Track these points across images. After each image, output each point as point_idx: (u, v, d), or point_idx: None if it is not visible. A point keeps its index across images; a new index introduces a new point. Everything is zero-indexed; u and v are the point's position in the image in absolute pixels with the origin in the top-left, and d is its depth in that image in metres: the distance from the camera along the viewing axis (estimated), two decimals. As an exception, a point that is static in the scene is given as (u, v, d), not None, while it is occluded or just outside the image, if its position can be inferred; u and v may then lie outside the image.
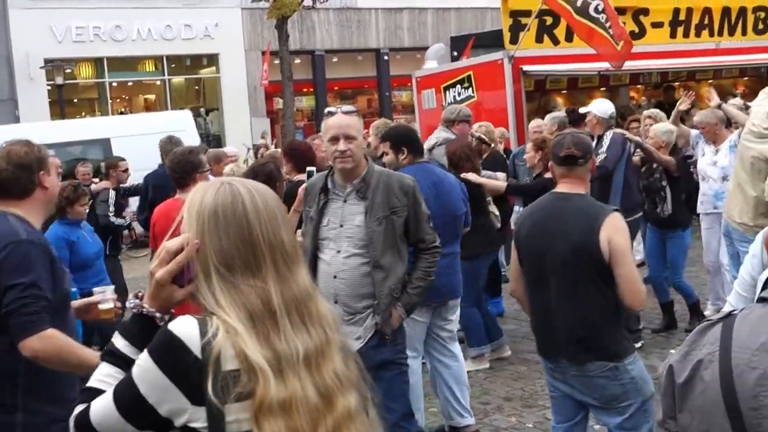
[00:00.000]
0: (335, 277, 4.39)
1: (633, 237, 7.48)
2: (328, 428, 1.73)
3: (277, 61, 22.20)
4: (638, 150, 8.04)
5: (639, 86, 15.25)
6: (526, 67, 11.49)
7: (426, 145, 8.26)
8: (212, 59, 25.94)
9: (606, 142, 7.62)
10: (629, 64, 12.59)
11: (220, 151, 9.93)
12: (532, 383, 6.94)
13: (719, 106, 8.35)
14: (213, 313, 1.79)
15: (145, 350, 1.82)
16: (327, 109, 4.51)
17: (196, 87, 27.45)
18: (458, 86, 12.42)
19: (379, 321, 4.42)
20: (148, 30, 24.04)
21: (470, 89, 12.22)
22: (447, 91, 12.67)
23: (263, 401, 1.69)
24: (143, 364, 1.81)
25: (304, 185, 4.87)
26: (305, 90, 26.90)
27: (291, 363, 1.73)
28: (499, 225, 7.86)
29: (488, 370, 7.33)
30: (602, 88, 14.39)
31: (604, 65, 11.38)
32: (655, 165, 7.92)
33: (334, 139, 4.32)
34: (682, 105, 9.06)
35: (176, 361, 1.77)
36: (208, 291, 1.82)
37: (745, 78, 15.19)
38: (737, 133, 7.41)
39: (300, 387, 1.72)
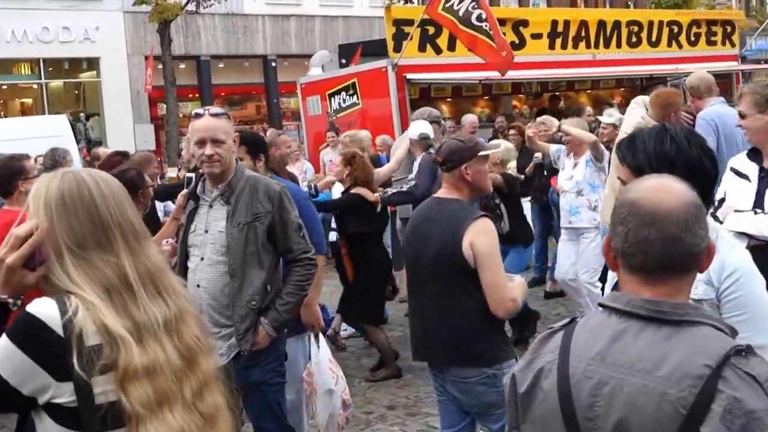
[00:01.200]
0: (198, 285, 4.15)
1: None
2: (193, 387, 1.81)
3: (161, 66, 21.75)
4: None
5: (521, 95, 15.58)
6: (409, 75, 11.59)
7: (402, 148, 8.33)
8: (93, 63, 25.18)
9: (415, 167, 7.53)
10: (511, 74, 12.88)
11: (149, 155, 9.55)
12: (416, 391, 6.92)
13: (559, 129, 8.33)
14: (69, 292, 1.85)
15: (4, 335, 1.86)
16: (194, 111, 4.28)
17: (76, 91, 26.58)
18: (343, 93, 12.42)
19: (235, 335, 4.14)
20: (24, 32, 23.14)
21: (355, 96, 12.23)
22: (332, 98, 12.66)
23: (127, 368, 1.77)
24: (4, 349, 1.85)
25: (183, 192, 4.63)
26: (191, 96, 26.42)
27: (151, 330, 1.81)
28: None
29: (372, 378, 7.29)
30: (485, 97, 14.66)
31: (487, 74, 11.57)
32: None
33: (201, 143, 4.11)
34: (530, 131, 8.77)
35: (39, 342, 1.84)
36: (61, 271, 1.88)
37: (622, 89, 15.75)
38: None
39: (162, 351, 1.80)
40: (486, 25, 10.40)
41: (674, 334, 1.79)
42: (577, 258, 7.78)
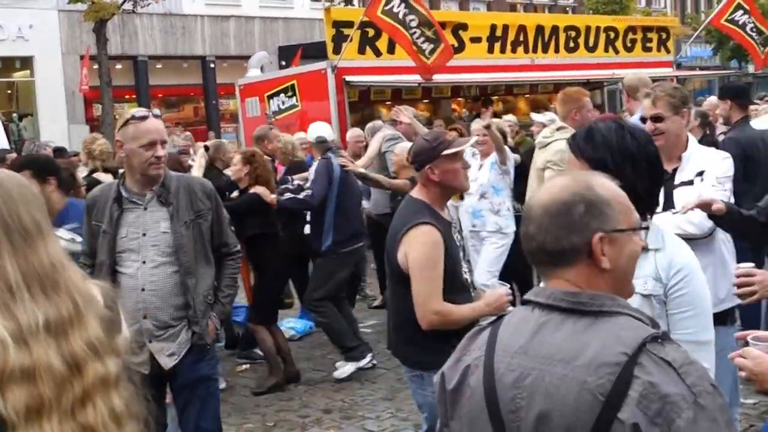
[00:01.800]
0: (143, 289, 4.11)
1: (349, 269, 7.52)
2: (75, 395, 1.70)
3: (96, 66, 21.38)
4: None
5: (460, 99, 15.68)
6: (349, 78, 11.56)
7: (374, 145, 8.27)
8: (26, 62, 24.66)
9: (311, 173, 7.40)
10: (451, 77, 12.96)
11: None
12: (352, 394, 6.89)
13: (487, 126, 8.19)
14: None
15: None
16: (133, 113, 4.19)
17: (9, 91, 25.99)
18: (282, 95, 12.36)
19: (198, 330, 4.22)
20: (-47, 29, 22.62)
21: (294, 98, 12.17)
22: (271, 100, 12.58)
23: (4, 370, 1.66)
24: None
25: (90, 196, 4.55)
26: (127, 96, 26.03)
27: (33, 332, 1.71)
28: None
29: (308, 382, 7.23)
30: (425, 100, 14.71)
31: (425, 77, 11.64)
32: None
33: (152, 145, 4.05)
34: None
35: None
36: None
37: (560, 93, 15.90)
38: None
39: (45, 355, 1.69)
40: (417, 32, 10.51)
41: (593, 325, 1.81)
42: (479, 260, 7.76)
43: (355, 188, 7.70)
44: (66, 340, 1.71)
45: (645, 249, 1.99)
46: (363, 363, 7.21)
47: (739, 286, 3.31)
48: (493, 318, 2.04)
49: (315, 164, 7.49)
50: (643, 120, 4.17)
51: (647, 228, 2.06)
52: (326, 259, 7.36)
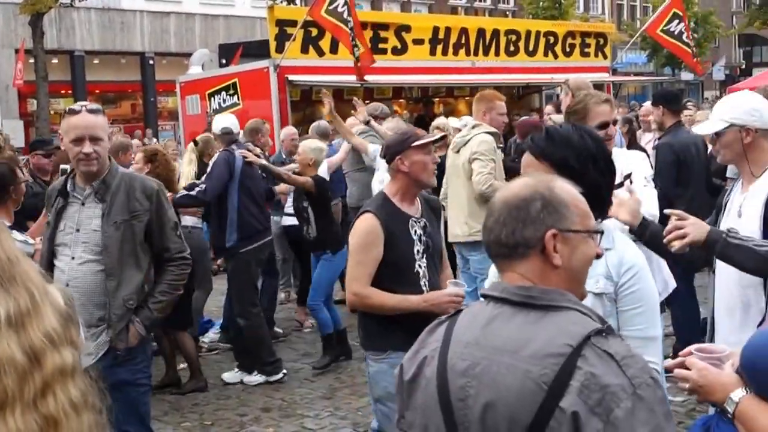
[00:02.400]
0: (68, 285, 4.01)
1: (259, 266, 7.33)
2: (36, 386, 1.68)
3: (32, 60, 20.97)
4: None
5: (401, 100, 15.73)
6: (291, 77, 11.51)
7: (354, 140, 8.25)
8: (-42, 55, 24.09)
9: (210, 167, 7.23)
10: (392, 78, 13.02)
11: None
12: (291, 393, 6.90)
13: (367, 123, 8.25)
14: None
15: None
16: (69, 107, 4.18)
17: (-60, 84, 25.37)
18: (223, 93, 12.26)
19: (111, 334, 4.10)
20: None
21: (235, 96, 12.09)
22: (212, 98, 12.47)
23: None
24: None
25: (51, 187, 4.54)
26: (63, 92, 25.58)
27: None
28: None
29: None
30: (367, 101, 14.68)
31: (370, 77, 11.67)
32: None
33: (79, 140, 4.00)
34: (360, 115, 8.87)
35: None
36: None
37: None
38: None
39: (7, 348, 1.68)
40: (352, 34, 10.56)
41: (542, 318, 1.88)
42: None
43: (259, 182, 7.47)
44: (25, 332, 1.70)
45: (598, 256, 2.06)
46: (273, 378, 7.09)
47: (671, 231, 3.30)
48: (452, 313, 2.09)
49: (215, 156, 7.27)
50: (605, 125, 4.22)
51: (602, 232, 2.11)
52: (235, 262, 7.12)
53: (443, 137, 4.78)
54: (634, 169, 4.26)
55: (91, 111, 4.08)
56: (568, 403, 1.74)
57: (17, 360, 1.67)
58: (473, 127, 6.78)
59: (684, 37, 12.59)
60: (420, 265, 4.19)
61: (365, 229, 4.11)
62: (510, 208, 1.96)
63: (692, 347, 2.55)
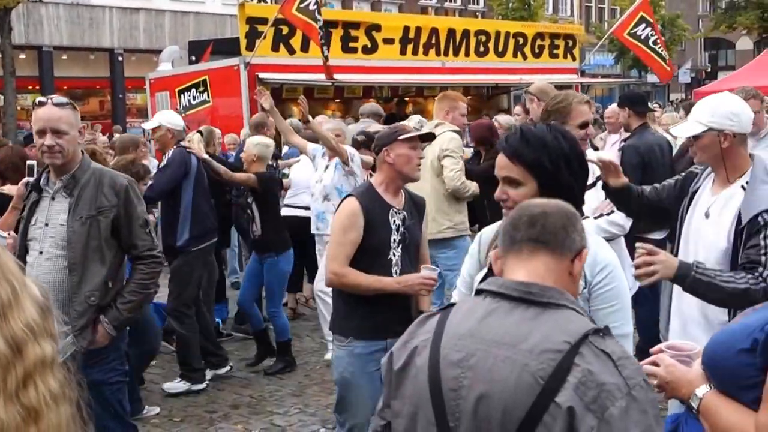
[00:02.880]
0: None
1: (205, 267, 7.15)
2: (18, 377, 1.69)
3: (-1, 56, 20.78)
4: None
5: (372, 99, 15.76)
6: (262, 75, 11.52)
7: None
8: (-76, 49, 23.73)
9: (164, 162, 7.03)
10: (363, 77, 13.05)
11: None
12: (260, 390, 6.93)
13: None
14: None
15: None
16: (37, 99, 4.16)
17: None
18: (193, 90, 12.24)
19: (69, 332, 4.00)
20: None
21: (205, 94, 12.08)
22: (182, 95, 12.44)
23: None
24: None
25: (24, 179, 4.51)
26: (31, 87, 25.32)
27: None
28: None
29: (215, 377, 7.18)
30: (337, 100, 14.75)
31: (341, 77, 11.70)
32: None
33: (41, 133, 4.00)
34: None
35: None
36: None
37: (469, 96, 16.13)
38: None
39: None
40: (322, 32, 10.59)
41: (541, 315, 1.92)
42: (320, 264, 7.44)
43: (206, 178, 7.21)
44: (7, 323, 1.71)
45: None
46: (196, 387, 6.89)
47: (640, 266, 3.35)
48: (443, 306, 2.15)
49: (169, 153, 6.98)
50: (585, 125, 4.37)
51: None
52: (183, 259, 6.92)
53: (430, 134, 4.88)
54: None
55: (57, 104, 4.05)
56: (563, 399, 1.78)
57: (1, 351, 1.68)
58: (436, 126, 6.84)
59: (651, 42, 12.69)
60: (394, 254, 4.33)
61: (347, 212, 4.30)
62: (566, 211, 2.09)
63: (663, 344, 2.61)
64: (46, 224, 4.12)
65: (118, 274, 4.28)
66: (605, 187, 4.02)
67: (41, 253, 4.10)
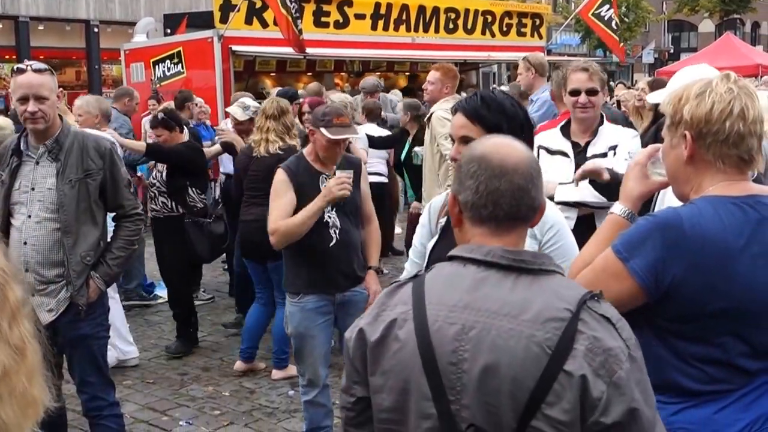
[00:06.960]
0: (25, 243, 4.16)
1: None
2: (8, 317, 1.75)
3: (-26, 25, 20.67)
4: None
5: (343, 73, 15.97)
6: (235, 47, 11.68)
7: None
8: None
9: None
10: (334, 52, 13.26)
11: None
12: (230, 353, 7.07)
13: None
14: None
15: None
16: (16, 66, 4.20)
17: None
18: (168, 61, 12.38)
19: (72, 291, 4.23)
20: None
21: (180, 65, 12.23)
22: (156, 66, 12.59)
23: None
24: None
25: (4, 143, 4.54)
26: (7, 57, 25.21)
27: None
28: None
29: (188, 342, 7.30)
30: (309, 73, 14.92)
31: (312, 50, 11.89)
32: None
33: (23, 99, 4.07)
34: None
35: None
36: None
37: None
38: None
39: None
40: (294, 7, 10.69)
41: (534, 282, 1.91)
42: None
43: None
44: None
45: None
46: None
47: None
48: (410, 276, 2.08)
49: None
50: (575, 93, 4.48)
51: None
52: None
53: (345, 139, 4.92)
54: (621, 142, 4.47)
55: (36, 70, 4.12)
56: (574, 367, 1.79)
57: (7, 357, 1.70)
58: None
59: (613, 24, 12.98)
60: (330, 216, 4.65)
61: (275, 181, 4.67)
62: (534, 172, 1.99)
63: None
64: (32, 188, 4.21)
65: (105, 232, 4.45)
66: (593, 183, 4.19)
67: (30, 216, 4.19)
